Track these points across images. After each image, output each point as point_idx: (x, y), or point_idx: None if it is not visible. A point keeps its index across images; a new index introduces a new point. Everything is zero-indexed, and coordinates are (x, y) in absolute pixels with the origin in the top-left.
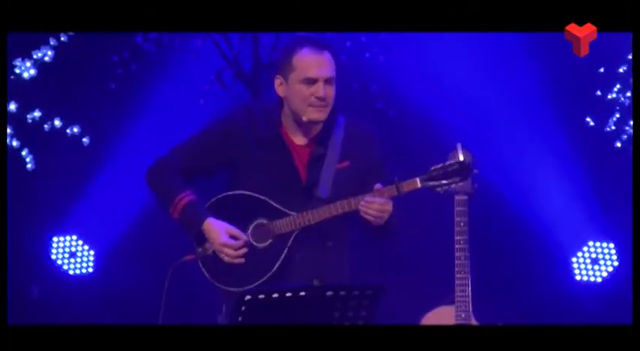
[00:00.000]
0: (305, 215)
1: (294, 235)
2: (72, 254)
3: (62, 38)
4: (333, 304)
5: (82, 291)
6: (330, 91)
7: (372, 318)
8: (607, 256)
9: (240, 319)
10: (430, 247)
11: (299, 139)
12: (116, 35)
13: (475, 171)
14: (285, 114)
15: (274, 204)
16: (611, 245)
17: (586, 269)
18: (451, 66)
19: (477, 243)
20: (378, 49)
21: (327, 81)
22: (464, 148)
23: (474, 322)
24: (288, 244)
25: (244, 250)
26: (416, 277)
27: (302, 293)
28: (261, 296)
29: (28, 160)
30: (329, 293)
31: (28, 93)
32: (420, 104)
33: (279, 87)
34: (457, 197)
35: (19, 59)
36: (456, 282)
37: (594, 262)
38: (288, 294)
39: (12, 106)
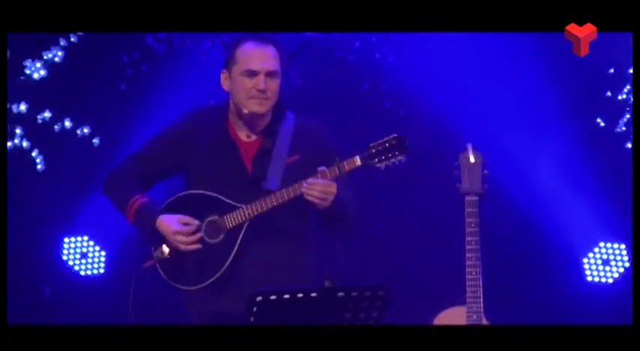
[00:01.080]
0: (253, 205)
1: (244, 227)
2: (83, 255)
3: (72, 39)
4: (345, 305)
5: (93, 292)
6: (273, 85)
7: (383, 319)
8: (618, 257)
9: (251, 319)
10: (441, 248)
11: (245, 135)
12: (126, 36)
13: (485, 172)
14: (232, 110)
15: (224, 199)
16: (623, 246)
17: (597, 270)
18: (462, 66)
19: (488, 244)
20: (388, 50)
21: (268, 74)
22: (474, 148)
23: (485, 323)
24: (240, 236)
25: (199, 235)
26: (427, 278)
27: (313, 294)
28: (273, 297)
29: (38, 160)
30: (340, 294)
31: (38, 93)
32: (431, 104)
33: (225, 81)
34: (468, 198)
35: (29, 60)
36: (467, 283)
37: (605, 263)
38: (300, 295)
39: (22, 107)
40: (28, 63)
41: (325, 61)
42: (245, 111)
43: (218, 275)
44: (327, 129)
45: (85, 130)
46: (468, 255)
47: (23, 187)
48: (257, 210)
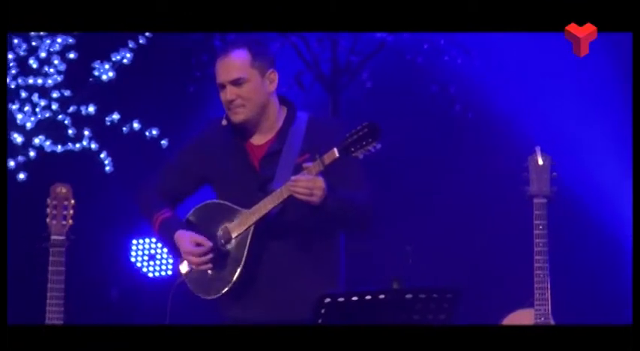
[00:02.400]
0: (254, 210)
1: (251, 231)
2: (151, 257)
3: (141, 41)
4: (412, 307)
5: (161, 293)
6: (242, 92)
7: (450, 321)
8: None
9: (319, 321)
10: (509, 251)
11: (256, 140)
12: (195, 37)
13: (554, 174)
14: None
15: (233, 206)
16: None
17: None
18: (529, 68)
19: (556, 246)
20: (456, 52)
21: (233, 82)
22: (542, 151)
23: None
24: (247, 241)
25: (209, 256)
26: (495, 280)
27: (381, 296)
28: (341, 299)
29: (106, 162)
30: (408, 296)
31: (107, 95)
32: (499, 106)
33: None
34: (536, 200)
35: (98, 61)
36: (535, 285)
37: None
38: (368, 297)
39: (90, 109)
40: (96, 65)
41: (395, 64)
42: (224, 122)
43: (233, 281)
44: (342, 124)
45: (154, 132)
46: (536, 257)
47: (92, 188)
48: (257, 214)
